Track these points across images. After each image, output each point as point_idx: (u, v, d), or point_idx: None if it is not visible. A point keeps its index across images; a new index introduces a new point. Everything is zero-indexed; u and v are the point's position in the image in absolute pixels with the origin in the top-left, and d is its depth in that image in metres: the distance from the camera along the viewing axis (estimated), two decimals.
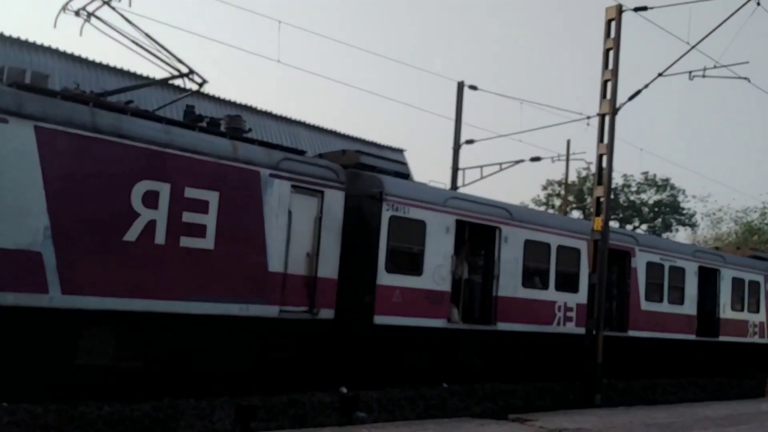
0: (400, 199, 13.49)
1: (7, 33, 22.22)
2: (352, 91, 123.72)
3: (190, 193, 10.81)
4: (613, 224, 31.39)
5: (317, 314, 12.21)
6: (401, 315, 13.32)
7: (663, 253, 19.56)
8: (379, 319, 13.00)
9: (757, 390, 19.65)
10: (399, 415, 11.39)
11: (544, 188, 50.76)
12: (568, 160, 30.98)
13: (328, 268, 12.48)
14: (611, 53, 14.74)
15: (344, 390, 12.00)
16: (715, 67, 16.07)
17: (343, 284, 12.68)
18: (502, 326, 15.23)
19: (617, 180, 49.06)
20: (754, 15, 15.30)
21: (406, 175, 14.75)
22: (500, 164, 24.80)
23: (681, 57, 15.27)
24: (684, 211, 51.48)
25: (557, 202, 48.64)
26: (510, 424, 10.67)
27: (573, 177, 47.09)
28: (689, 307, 20.47)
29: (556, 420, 10.99)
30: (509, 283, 15.41)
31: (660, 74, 15.55)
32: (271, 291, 11.64)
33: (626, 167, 75.02)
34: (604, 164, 14.89)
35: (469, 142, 24.87)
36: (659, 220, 49.67)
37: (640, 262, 18.73)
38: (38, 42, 23.17)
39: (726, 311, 21.90)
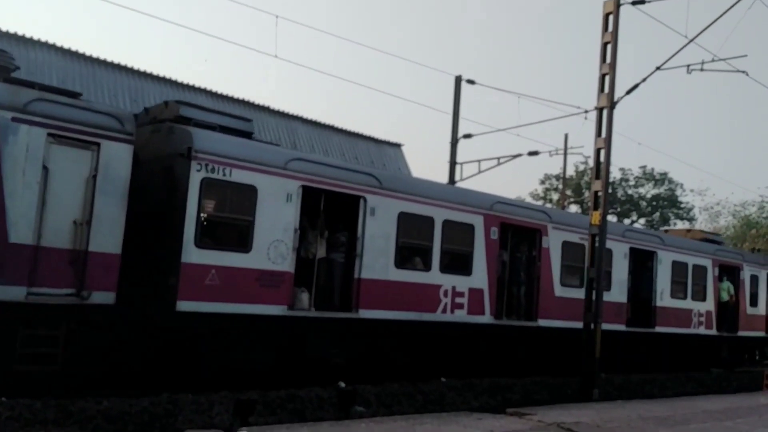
0: (219, 158, 10.93)
1: None
2: (349, 86, 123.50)
3: None
4: (611, 218, 31.31)
5: (88, 298, 9.74)
6: (218, 300, 10.82)
7: (583, 232, 16.58)
8: (185, 305, 10.50)
9: (755, 383, 19.69)
10: (397, 409, 11.31)
11: (542, 182, 51.18)
12: (565, 154, 30.55)
13: (107, 240, 9.93)
14: (609, 47, 14.67)
15: (342, 384, 12.01)
16: (713, 60, 16.09)
17: (135, 262, 10.39)
18: (367, 314, 12.77)
19: (615, 174, 49.31)
20: (752, 8, 15.26)
21: (247, 134, 12.23)
22: (498, 158, 24.76)
23: (679, 50, 15.18)
24: (682, 205, 51.50)
25: (555, 196, 48.87)
26: (508, 418, 10.62)
27: (571, 171, 47.45)
28: (617, 293, 17.88)
29: (554, 414, 10.95)
30: (377, 263, 12.95)
31: (658, 68, 15.46)
32: (14, 267, 9.15)
33: (624, 161, 75.15)
34: (602, 158, 14.80)
35: (467, 136, 24.77)
36: (657, 214, 49.67)
37: (553, 241, 16.27)
38: None
39: (664, 299, 19.28)
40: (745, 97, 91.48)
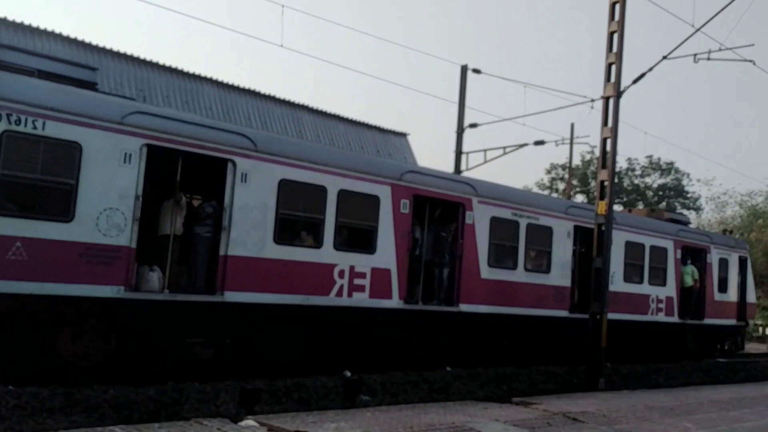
0: (27, 108, 9.20)
1: None
2: (355, 76, 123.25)
3: None
4: (617, 208, 30.76)
5: None
6: (25, 279, 9.09)
7: (517, 207, 15.37)
8: None
9: (763, 373, 19.67)
10: (402, 398, 11.27)
11: (548, 172, 51.23)
12: (572, 143, 30.51)
13: None
14: (615, 36, 14.58)
15: (348, 373, 12.03)
16: (720, 49, 15.99)
17: None
18: (235, 296, 11.06)
19: (621, 164, 49.37)
20: None
21: (87, 84, 10.47)
22: (504, 148, 24.78)
23: (686, 40, 15.10)
24: (688, 195, 51.48)
25: (561, 185, 48.77)
26: (514, 407, 10.60)
27: (577, 161, 47.47)
28: (559, 276, 16.31)
29: (560, 403, 10.95)
30: (250, 238, 11.28)
31: (665, 57, 15.37)
32: None
33: (630, 151, 74.92)
34: (608, 148, 14.72)
35: (473, 125, 24.75)
36: (664, 203, 49.67)
37: (479, 216, 14.63)
38: None
39: (616, 283, 17.14)
40: (751, 86, 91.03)
